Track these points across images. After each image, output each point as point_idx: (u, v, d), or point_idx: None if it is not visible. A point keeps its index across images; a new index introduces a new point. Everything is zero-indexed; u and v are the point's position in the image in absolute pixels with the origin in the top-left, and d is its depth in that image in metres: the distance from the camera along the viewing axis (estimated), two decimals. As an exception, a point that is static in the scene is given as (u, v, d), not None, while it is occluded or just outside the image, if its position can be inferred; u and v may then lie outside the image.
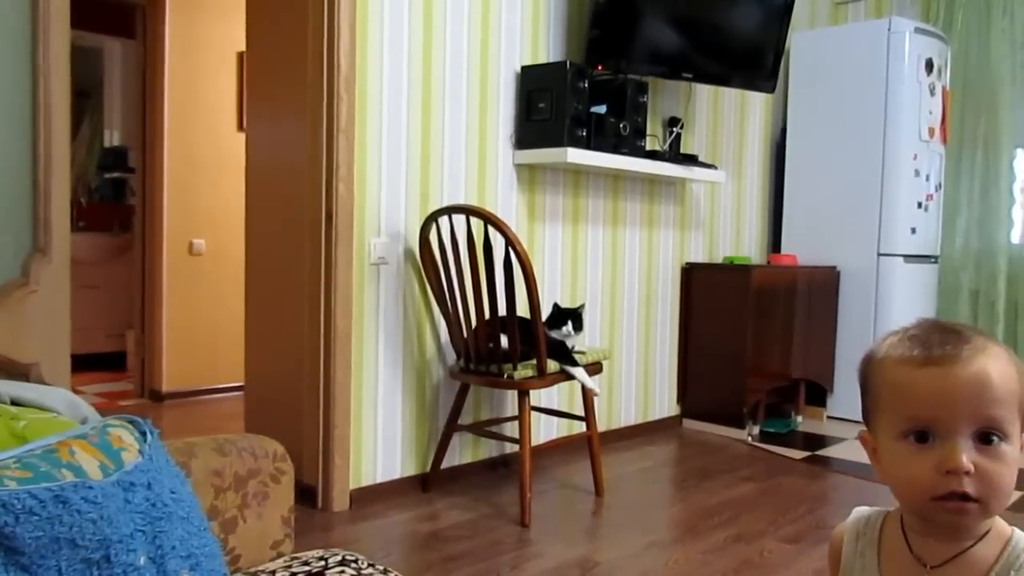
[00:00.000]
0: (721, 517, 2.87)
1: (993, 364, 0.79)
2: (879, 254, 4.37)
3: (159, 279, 4.49)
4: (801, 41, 4.63)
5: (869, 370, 0.88)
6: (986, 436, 0.79)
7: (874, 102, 4.35)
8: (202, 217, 4.61)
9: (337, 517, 2.77)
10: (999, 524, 0.85)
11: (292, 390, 2.94)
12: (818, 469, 3.56)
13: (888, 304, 4.34)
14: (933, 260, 4.64)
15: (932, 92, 4.41)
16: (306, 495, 2.81)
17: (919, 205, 4.42)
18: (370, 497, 2.90)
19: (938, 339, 0.82)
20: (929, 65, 4.37)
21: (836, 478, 3.44)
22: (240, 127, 4.61)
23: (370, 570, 1.77)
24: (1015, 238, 4.66)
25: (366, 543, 2.56)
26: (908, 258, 4.40)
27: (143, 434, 1.13)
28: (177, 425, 4.07)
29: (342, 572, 1.39)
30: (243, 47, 3.57)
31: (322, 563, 1.38)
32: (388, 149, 2.92)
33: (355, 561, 1.41)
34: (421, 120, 3.02)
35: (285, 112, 3.00)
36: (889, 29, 4.30)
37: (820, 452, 3.83)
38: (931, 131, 4.42)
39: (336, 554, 1.44)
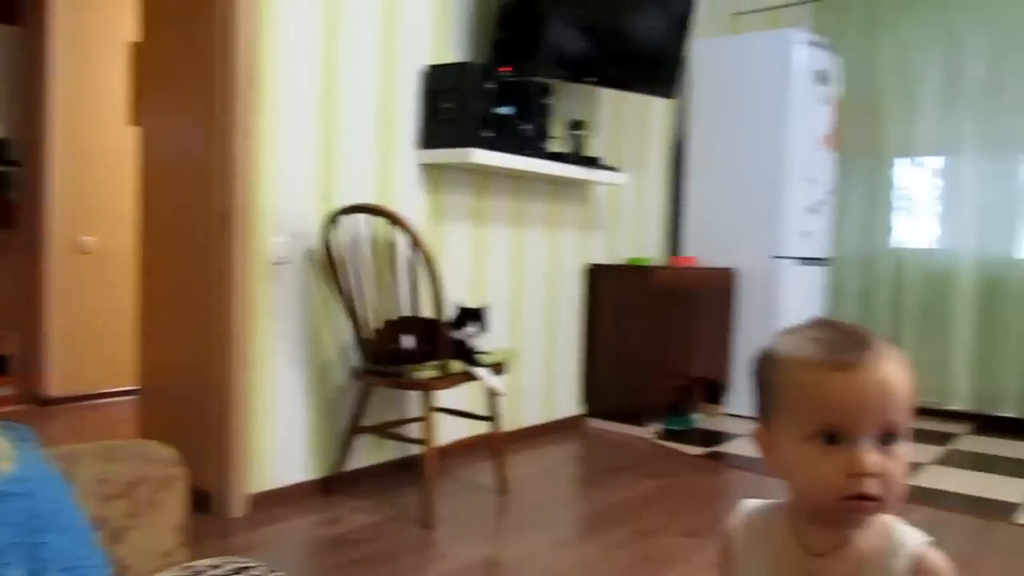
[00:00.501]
0: (623, 513, 2.92)
1: (893, 370, 0.83)
2: (773, 256, 4.52)
3: (44, 278, 4.29)
4: (701, 49, 4.75)
5: (769, 369, 0.89)
6: (886, 438, 0.82)
7: (770, 110, 4.50)
8: (93, 213, 4.43)
9: (236, 523, 2.70)
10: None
11: (188, 393, 2.85)
12: (716, 465, 3.66)
13: (782, 304, 4.50)
14: (823, 262, 4.84)
15: (823, 102, 4.59)
16: (203, 501, 2.72)
17: (811, 210, 4.60)
18: (270, 502, 2.83)
19: (843, 343, 0.84)
20: (821, 76, 4.55)
21: (733, 473, 3.54)
22: (132, 120, 4.44)
23: (268, 577, 1.73)
24: (897, 243, 4.89)
25: (265, 549, 2.50)
26: (801, 261, 4.57)
27: (21, 441, 1.08)
28: (65, 431, 3.89)
29: (239, 580, 1.35)
30: (134, 37, 3.44)
31: (216, 571, 1.34)
32: (289, 146, 2.86)
33: (252, 568, 1.37)
34: (323, 117, 2.97)
35: (181, 106, 2.90)
36: (783, 41, 4.46)
37: (718, 448, 3.94)
38: (822, 139, 4.61)
39: (231, 561, 1.40)
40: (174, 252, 2.93)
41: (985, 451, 4.08)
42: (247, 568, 1.39)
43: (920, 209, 4.87)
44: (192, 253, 2.81)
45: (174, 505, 1.41)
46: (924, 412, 4.75)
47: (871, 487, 0.80)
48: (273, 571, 1.36)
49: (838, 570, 0.87)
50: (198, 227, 2.77)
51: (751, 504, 0.98)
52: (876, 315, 4.89)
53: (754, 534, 0.94)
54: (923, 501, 3.17)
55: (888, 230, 4.89)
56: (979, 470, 3.73)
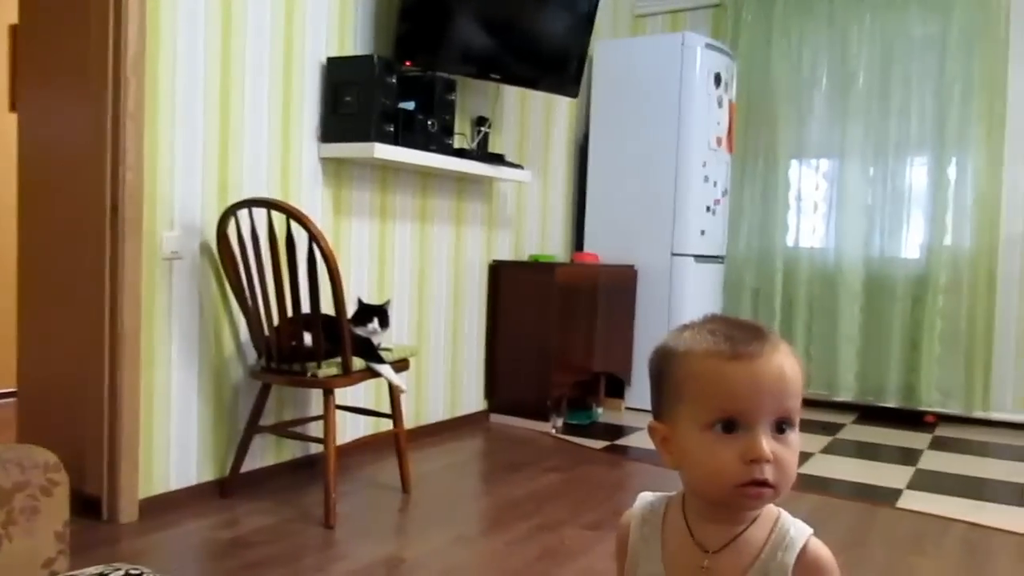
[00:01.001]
0: (525, 508, 2.93)
1: (786, 360, 0.87)
2: (672, 254, 4.63)
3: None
4: (603, 49, 4.82)
5: (667, 363, 0.91)
6: (780, 426, 0.86)
7: (668, 111, 4.60)
8: (-31, 205, 4.18)
9: (125, 529, 2.59)
10: (767, 506, 0.91)
11: (73, 394, 2.72)
12: (617, 458, 3.72)
13: (680, 301, 4.61)
14: (720, 260, 4.98)
15: (720, 104, 4.72)
16: (90, 507, 2.61)
17: (708, 209, 4.72)
18: (163, 506, 2.74)
19: (741, 335, 0.87)
20: (717, 79, 4.68)
21: (633, 466, 3.61)
22: (12, 107, 4.21)
23: (158, 583, 1.67)
24: (790, 241, 5.08)
25: (157, 555, 2.42)
26: (698, 258, 4.69)
27: None
28: (-62, 436, 3.67)
29: (125, 587, 1.30)
30: (15, 18, 3.26)
31: (102, 579, 1.28)
32: (182, 137, 2.76)
33: (139, 575, 1.32)
34: (219, 107, 2.88)
35: (65, 92, 2.77)
36: (683, 44, 4.57)
37: (619, 442, 4.01)
38: (719, 140, 4.74)
39: (118, 569, 1.34)
40: (58, 246, 2.79)
41: (869, 440, 4.27)
42: (132, 575, 1.33)
43: (811, 210, 5.06)
44: (78, 247, 2.69)
45: (55, 512, 1.34)
46: (813, 403, 4.95)
47: (767, 473, 0.83)
48: (162, 577, 1.32)
49: (731, 565, 0.89)
50: (85, 220, 2.65)
51: (647, 498, 0.99)
52: (769, 311, 5.07)
53: (649, 528, 0.96)
54: (812, 489, 3.30)
55: (781, 229, 5.07)
56: (864, 458, 3.91)
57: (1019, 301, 4.57)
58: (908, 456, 3.95)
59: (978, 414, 4.63)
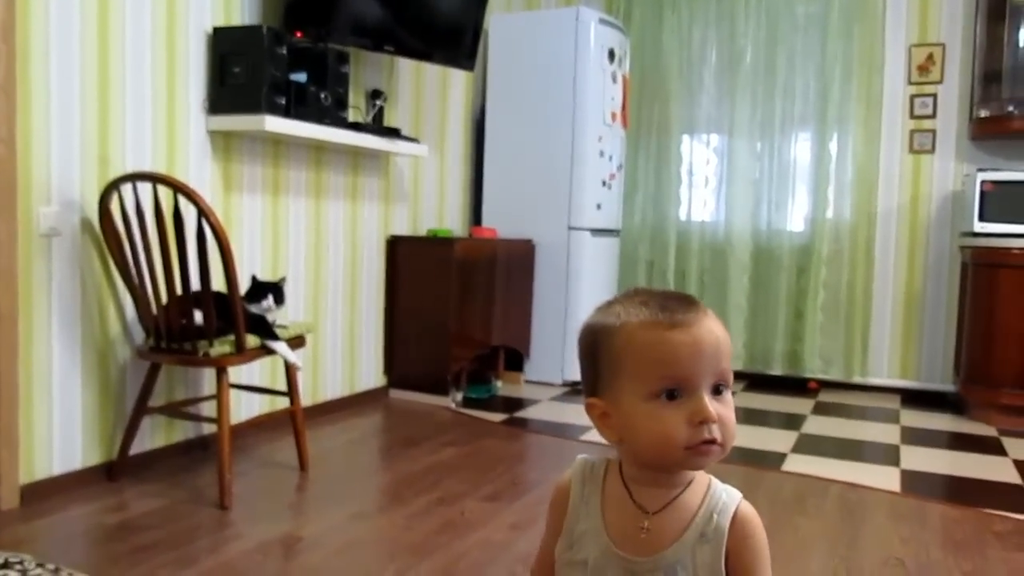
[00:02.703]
0: (425, 482, 2.95)
1: (717, 326, 0.91)
2: (569, 228, 4.69)
3: None
4: (499, 23, 4.81)
5: (603, 338, 0.92)
6: (718, 388, 0.89)
7: (564, 86, 4.64)
8: None
9: (6, 517, 2.48)
10: (699, 472, 0.96)
11: (-55, 378, 2.58)
12: (516, 431, 3.77)
13: (578, 274, 4.68)
14: (615, 234, 5.07)
15: (614, 80, 4.79)
16: (-35, 496, 2.49)
17: (603, 183, 4.80)
18: (46, 491, 2.63)
19: (674, 305, 0.90)
20: (611, 54, 4.74)
21: (532, 438, 3.67)
22: None
23: (38, 570, 1.62)
24: (682, 215, 5.21)
25: (40, 542, 2.32)
26: (594, 232, 4.77)
27: None
28: None
29: (3, 575, 1.25)
30: None
31: (-24, 568, 1.23)
32: (58, 108, 2.63)
33: (20, 563, 1.28)
34: (97, 78, 2.76)
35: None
36: (577, 18, 4.60)
37: (518, 414, 4.06)
38: (613, 115, 4.81)
39: (-5, 557, 1.29)
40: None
41: (757, 407, 4.46)
42: (15, 563, 1.29)
43: (703, 184, 5.20)
44: (-54, 224, 2.53)
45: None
46: (705, 373, 5.11)
47: (715, 432, 0.87)
48: (42, 564, 1.27)
49: (669, 526, 0.93)
50: (-48, 195, 2.50)
51: (587, 458, 1.01)
52: (663, 283, 5.20)
53: (590, 488, 0.98)
54: (702, 455, 3.42)
55: (674, 203, 5.20)
56: (752, 424, 4.07)
57: (894, 272, 4.83)
58: (792, 421, 4.14)
59: (857, 380, 4.89)
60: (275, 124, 3.11)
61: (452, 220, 4.86)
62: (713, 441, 0.87)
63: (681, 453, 0.88)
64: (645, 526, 0.93)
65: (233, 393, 2.89)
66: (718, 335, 0.90)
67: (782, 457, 3.45)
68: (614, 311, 0.93)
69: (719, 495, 0.94)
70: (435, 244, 4.26)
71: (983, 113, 4.44)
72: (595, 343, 0.93)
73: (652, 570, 0.92)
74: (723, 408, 0.89)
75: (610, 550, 0.94)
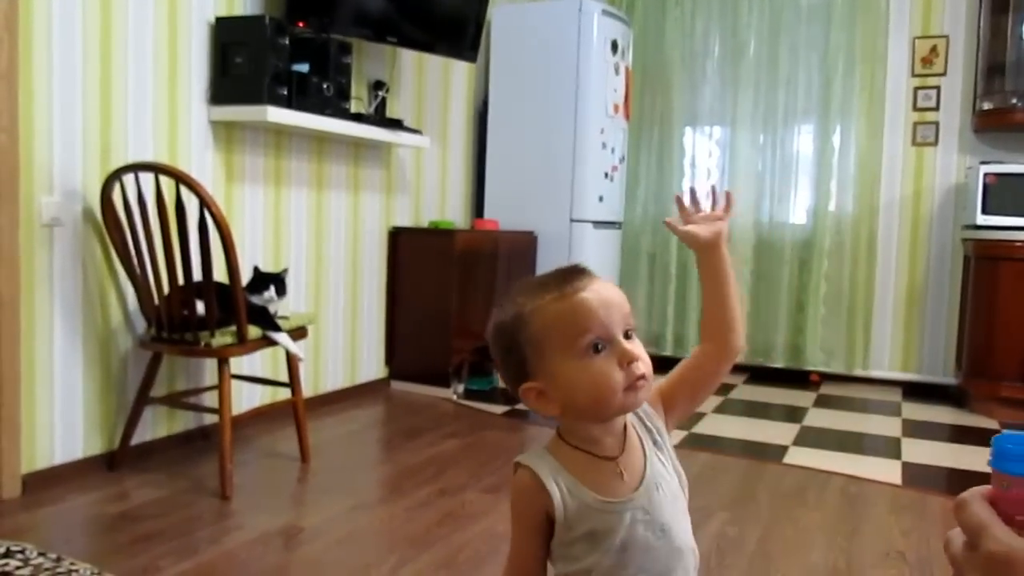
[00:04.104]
0: (426, 474, 2.95)
1: (610, 283, 1.02)
2: (571, 220, 4.68)
3: None
4: (501, 14, 4.80)
5: (518, 328, 0.99)
6: (627, 334, 0.99)
7: (566, 77, 4.62)
8: None
9: (7, 506, 2.49)
10: None
11: (-54, 368, 2.58)
12: (517, 422, 3.77)
13: (579, 267, 4.67)
14: (617, 226, 5.07)
15: (617, 71, 4.77)
16: (-33, 485, 2.50)
17: (605, 176, 4.79)
18: (47, 481, 2.64)
19: (571, 277, 1.00)
20: (614, 46, 4.73)
21: (532, 429, 3.67)
22: None
23: (40, 559, 1.62)
24: (685, 207, 5.19)
25: (42, 531, 2.33)
26: (596, 224, 4.76)
27: None
28: None
29: (6, 564, 1.25)
30: None
31: (-22, 557, 1.24)
32: (60, 98, 2.63)
33: (21, 551, 1.28)
34: (100, 67, 2.75)
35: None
36: (580, 10, 4.59)
37: (519, 406, 4.06)
38: (615, 107, 4.80)
39: (-3, 545, 1.30)
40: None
41: (759, 399, 4.46)
42: (16, 552, 1.29)
43: (705, 176, 5.19)
44: (-53, 213, 2.53)
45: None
46: (707, 365, 5.11)
47: (641, 368, 0.97)
48: (44, 553, 1.28)
49: (635, 457, 1.03)
50: (-46, 184, 2.50)
51: (530, 456, 1.04)
52: (665, 275, 5.20)
53: (562, 476, 1.01)
54: (704, 447, 3.42)
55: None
56: (753, 417, 4.07)
57: (896, 265, 4.82)
58: (794, 414, 4.14)
59: (858, 372, 4.89)
60: (277, 115, 3.10)
61: (454, 212, 4.85)
62: (643, 376, 0.97)
63: (620, 395, 0.96)
64: (620, 471, 1.01)
65: (234, 384, 2.89)
66: (614, 290, 1.00)
67: (783, 450, 3.45)
68: (516, 303, 1.01)
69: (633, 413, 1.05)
70: (437, 236, 4.25)
71: (986, 106, 4.43)
72: (511, 335, 1.00)
73: (649, 496, 1.01)
74: (639, 349, 0.98)
75: (608, 506, 0.99)
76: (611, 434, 1.02)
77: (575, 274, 1.00)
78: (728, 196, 1.20)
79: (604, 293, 0.98)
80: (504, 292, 1.05)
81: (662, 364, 4.49)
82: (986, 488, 0.60)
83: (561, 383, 0.98)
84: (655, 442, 1.06)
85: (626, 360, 0.96)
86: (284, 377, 3.06)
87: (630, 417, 1.05)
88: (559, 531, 1.00)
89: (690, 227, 1.16)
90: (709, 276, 1.13)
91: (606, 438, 1.02)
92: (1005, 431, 0.60)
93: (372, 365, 4.21)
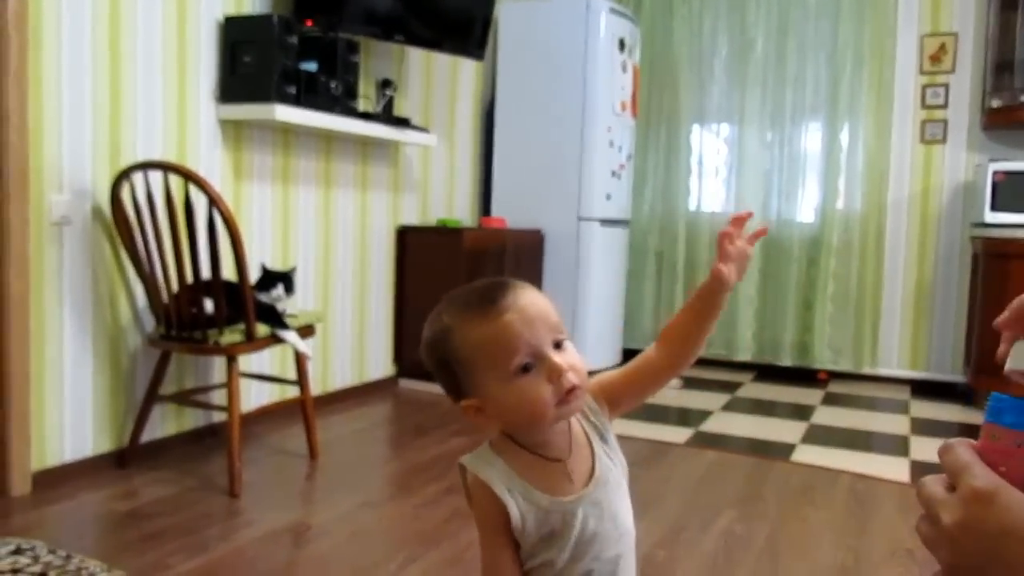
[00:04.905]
0: (433, 472, 2.96)
1: (535, 294, 1.00)
2: (579, 218, 4.68)
3: None
4: (509, 12, 4.80)
5: (446, 348, 1.00)
6: (558, 343, 0.98)
7: (574, 75, 4.62)
8: None
9: (18, 503, 2.50)
10: None
11: (-43, 366, 2.60)
12: (524, 420, 3.77)
13: (587, 264, 4.68)
14: (625, 224, 5.06)
15: (624, 69, 4.77)
16: (-22, 482, 2.51)
17: (613, 174, 4.78)
18: (57, 478, 2.65)
19: (494, 293, 0.98)
20: (621, 44, 4.72)
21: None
22: None
23: (49, 556, 1.63)
24: (692, 205, 5.20)
25: (51, 528, 2.34)
26: (604, 222, 4.76)
27: None
28: None
29: (16, 562, 1.26)
30: None
31: (-10, 553, 1.25)
32: (69, 97, 2.64)
33: (31, 549, 1.29)
34: (109, 66, 2.76)
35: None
36: (587, 7, 4.58)
37: (526, 404, 4.05)
38: (623, 105, 4.79)
39: (8, 543, 1.30)
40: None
41: (766, 397, 4.45)
42: (27, 549, 1.30)
43: (713, 174, 5.18)
44: (-42, 212, 2.55)
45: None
46: (713, 364, 5.12)
47: (572, 379, 0.96)
48: (53, 550, 1.28)
49: (583, 456, 1.04)
50: (-36, 183, 2.51)
51: (473, 457, 1.04)
52: (672, 274, 5.20)
53: (513, 483, 1.01)
54: (711, 445, 3.42)
55: (684, 193, 5.19)
56: (761, 415, 4.07)
57: (905, 262, 4.80)
58: (801, 412, 4.13)
59: (866, 370, 4.88)
60: (285, 113, 3.11)
61: (461, 210, 4.85)
62: (573, 388, 0.96)
63: (553, 410, 0.96)
64: (569, 471, 1.02)
65: (243, 381, 2.90)
66: (539, 302, 0.99)
67: (791, 448, 3.44)
68: (443, 322, 1.01)
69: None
70: (444, 234, 4.26)
71: (995, 103, 4.41)
72: (442, 354, 1.01)
73: (599, 491, 1.02)
74: (570, 357, 0.98)
75: (561, 506, 1.00)
76: (556, 435, 1.03)
77: (499, 289, 0.99)
78: (764, 229, 1.18)
79: (529, 310, 0.97)
80: (435, 305, 1.05)
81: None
82: (972, 441, 0.62)
83: (495, 403, 0.98)
84: (601, 436, 1.07)
85: (555, 375, 0.95)
86: (292, 375, 3.07)
87: (573, 422, 1.05)
88: (518, 536, 1.01)
89: (729, 269, 1.14)
90: (706, 302, 1.12)
91: (552, 439, 1.03)
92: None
93: (380, 363, 4.22)
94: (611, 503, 1.04)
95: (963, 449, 0.61)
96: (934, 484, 0.61)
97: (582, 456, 1.04)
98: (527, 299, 0.98)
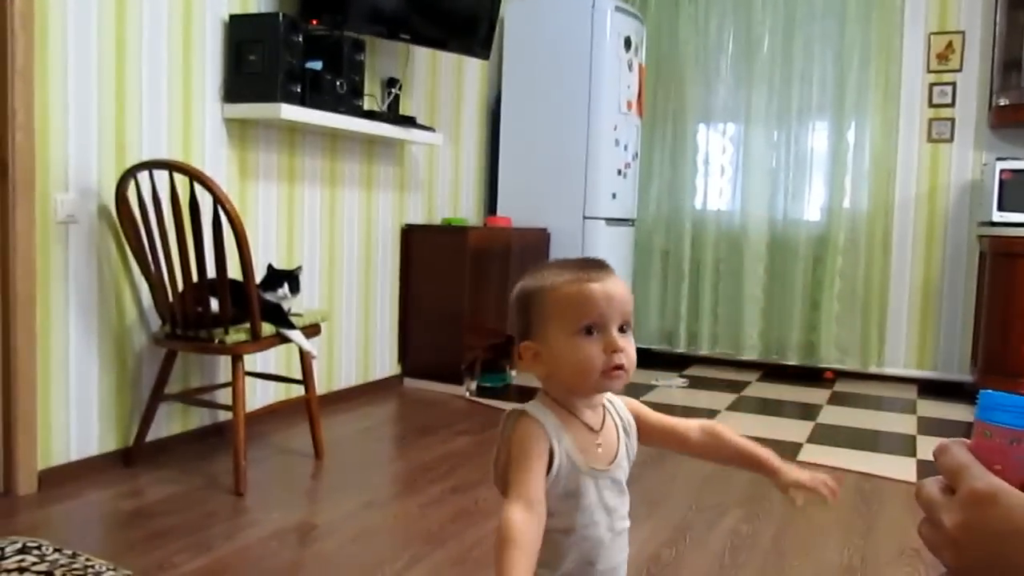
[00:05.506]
0: (439, 471, 2.95)
1: (622, 284, 1.13)
2: (584, 217, 4.67)
3: None
4: (514, 11, 4.79)
5: (534, 295, 1.14)
6: (623, 328, 1.11)
7: (579, 74, 4.62)
8: None
9: (24, 501, 2.51)
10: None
11: (-36, 365, 2.60)
12: (529, 420, 3.76)
13: (592, 264, 4.66)
14: (630, 223, 5.05)
15: (630, 68, 4.76)
16: (-15, 481, 2.52)
17: (619, 172, 4.77)
18: (63, 477, 2.66)
19: (590, 266, 1.13)
20: (627, 42, 4.71)
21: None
22: None
23: (56, 555, 1.63)
24: (697, 204, 5.19)
25: (57, 527, 2.35)
26: (609, 221, 4.75)
27: None
28: None
29: (22, 560, 1.25)
30: None
31: (-4, 552, 1.25)
32: (75, 96, 2.64)
33: (38, 547, 1.29)
34: (115, 65, 2.76)
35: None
36: (593, 6, 4.57)
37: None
38: (629, 104, 4.78)
39: (15, 542, 1.30)
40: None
41: (772, 396, 4.44)
42: (33, 548, 1.29)
43: (718, 173, 5.17)
44: (-36, 211, 2.55)
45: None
46: (719, 363, 5.11)
47: (621, 359, 1.09)
48: (59, 549, 1.28)
49: (610, 435, 1.17)
50: (-29, 182, 2.52)
51: (531, 405, 1.14)
52: (678, 273, 5.18)
53: (560, 432, 1.12)
54: (717, 445, 3.41)
55: (689, 192, 5.18)
56: (767, 414, 4.06)
57: (911, 261, 4.79)
58: (808, 411, 4.12)
59: (873, 370, 4.86)
60: (291, 112, 3.11)
61: (467, 209, 4.85)
62: (620, 367, 1.09)
63: (597, 376, 1.09)
64: (599, 442, 1.14)
65: (248, 381, 2.90)
66: (623, 289, 1.12)
67: (797, 447, 3.43)
68: (543, 276, 1.14)
69: (611, 401, 1.20)
70: (449, 233, 4.26)
71: (1002, 101, 4.39)
72: (528, 300, 1.14)
73: (614, 474, 1.15)
74: (627, 343, 1.10)
75: (593, 472, 1.12)
76: (590, 407, 1.16)
77: (596, 266, 1.13)
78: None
79: (611, 288, 1.10)
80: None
81: (676, 362, 4.45)
82: (966, 440, 0.62)
83: (552, 350, 1.11)
84: (626, 431, 1.20)
85: (610, 348, 1.08)
86: (297, 374, 3.07)
87: (610, 408, 1.19)
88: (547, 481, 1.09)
89: (795, 493, 1.30)
90: (745, 466, 1.29)
91: (586, 410, 1.15)
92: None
93: (385, 362, 4.22)
94: (623, 484, 1.16)
95: (959, 449, 0.61)
96: (932, 486, 0.62)
97: (610, 437, 1.17)
98: (614, 282, 1.12)
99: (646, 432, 1.23)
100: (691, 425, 1.26)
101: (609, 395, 1.20)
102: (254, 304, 2.67)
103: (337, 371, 3.88)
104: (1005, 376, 4.12)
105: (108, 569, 1.87)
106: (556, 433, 1.10)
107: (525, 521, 1.01)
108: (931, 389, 4.67)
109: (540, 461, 1.08)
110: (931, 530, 0.60)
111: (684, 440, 1.26)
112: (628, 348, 1.10)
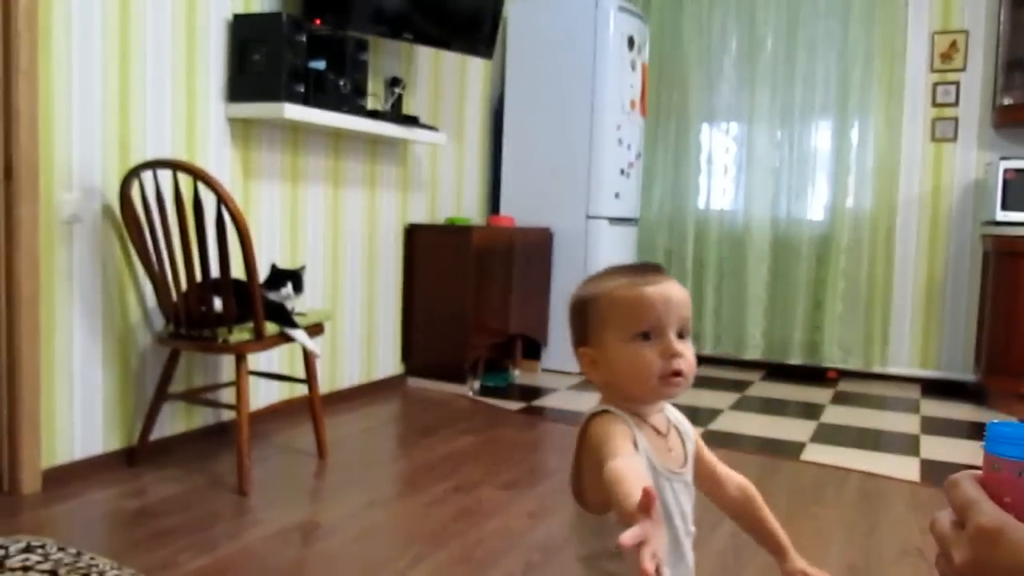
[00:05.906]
0: (442, 470, 2.96)
1: (680, 288, 1.12)
2: (587, 216, 4.67)
3: None
4: (518, 10, 4.79)
5: (591, 300, 1.12)
6: (681, 334, 1.09)
7: (582, 74, 4.62)
8: None
9: (28, 500, 2.51)
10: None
11: (-32, 364, 2.61)
12: (533, 419, 3.77)
13: (596, 263, 4.66)
14: (633, 222, 5.05)
15: (633, 67, 4.76)
16: (-11, 480, 2.52)
17: (622, 172, 4.78)
18: (67, 476, 2.66)
19: (645, 271, 1.12)
20: (631, 42, 4.71)
21: (548, 426, 3.67)
22: None
23: (60, 554, 1.63)
24: (700, 203, 5.19)
25: (61, 526, 2.35)
26: (613, 220, 4.75)
27: None
28: None
29: (26, 559, 1.26)
30: None
31: (1, 552, 1.25)
32: (79, 95, 2.65)
33: (42, 547, 1.29)
34: (119, 65, 2.77)
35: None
36: (596, 6, 4.58)
37: (535, 403, 4.06)
38: (632, 103, 4.78)
39: (19, 541, 1.31)
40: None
41: (775, 396, 4.44)
42: (37, 547, 1.30)
43: (722, 172, 5.17)
44: (-31, 211, 2.56)
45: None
46: (722, 362, 5.11)
47: (680, 364, 1.07)
48: (64, 548, 1.29)
49: (676, 441, 1.16)
50: (-25, 182, 2.52)
51: (610, 406, 1.12)
52: (681, 272, 5.18)
53: (638, 431, 1.11)
54: (721, 444, 3.40)
55: (693, 192, 5.17)
56: (770, 414, 4.06)
57: (915, 261, 4.78)
58: (811, 411, 4.12)
59: (876, 369, 4.86)
60: (294, 112, 3.11)
61: (470, 208, 4.85)
62: (679, 373, 1.06)
63: (655, 382, 1.06)
64: (669, 447, 1.13)
65: (252, 380, 2.91)
66: (681, 293, 1.11)
67: (801, 446, 3.43)
68: (598, 282, 1.13)
69: (672, 410, 1.19)
70: (453, 232, 4.26)
71: (1006, 101, 4.39)
72: (585, 306, 1.13)
73: (686, 477, 1.14)
74: (686, 348, 1.08)
75: (667, 473, 1.11)
76: (655, 413, 1.14)
77: (653, 271, 1.12)
78: None
79: (669, 294, 1.08)
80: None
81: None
82: (976, 472, 0.63)
83: (609, 356, 1.10)
84: (687, 438, 1.19)
85: (668, 353, 1.06)
86: (301, 373, 3.07)
87: (669, 414, 1.17)
88: None
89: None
90: (756, 538, 1.32)
91: (651, 416, 1.13)
92: (999, 420, 0.62)
93: (388, 362, 4.22)
94: (692, 489, 1.17)
95: (968, 484, 0.62)
96: (944, 520, 0.63)
97: (676, 442, 1.16)
98: (672, 286, 1.10)
99: (699, 465, 1.21)
100: (731, 475, 1.26)
101: (668, 407, 1.19)
102: (258, 303, 2.67)
103: (340, 370, 3.89)
104: (1008, 375, 4.12)
105: (112, 568, 1.87)
106: (635, 435, 1.09)
107: (627, 460, 0.98)
108: (934, 388, 4.67)
109: (626, 434, 1.06)
110: (946, 565, 0.62)
111: (719, 486, 1.25)
112: (687, 353, 1.08)
